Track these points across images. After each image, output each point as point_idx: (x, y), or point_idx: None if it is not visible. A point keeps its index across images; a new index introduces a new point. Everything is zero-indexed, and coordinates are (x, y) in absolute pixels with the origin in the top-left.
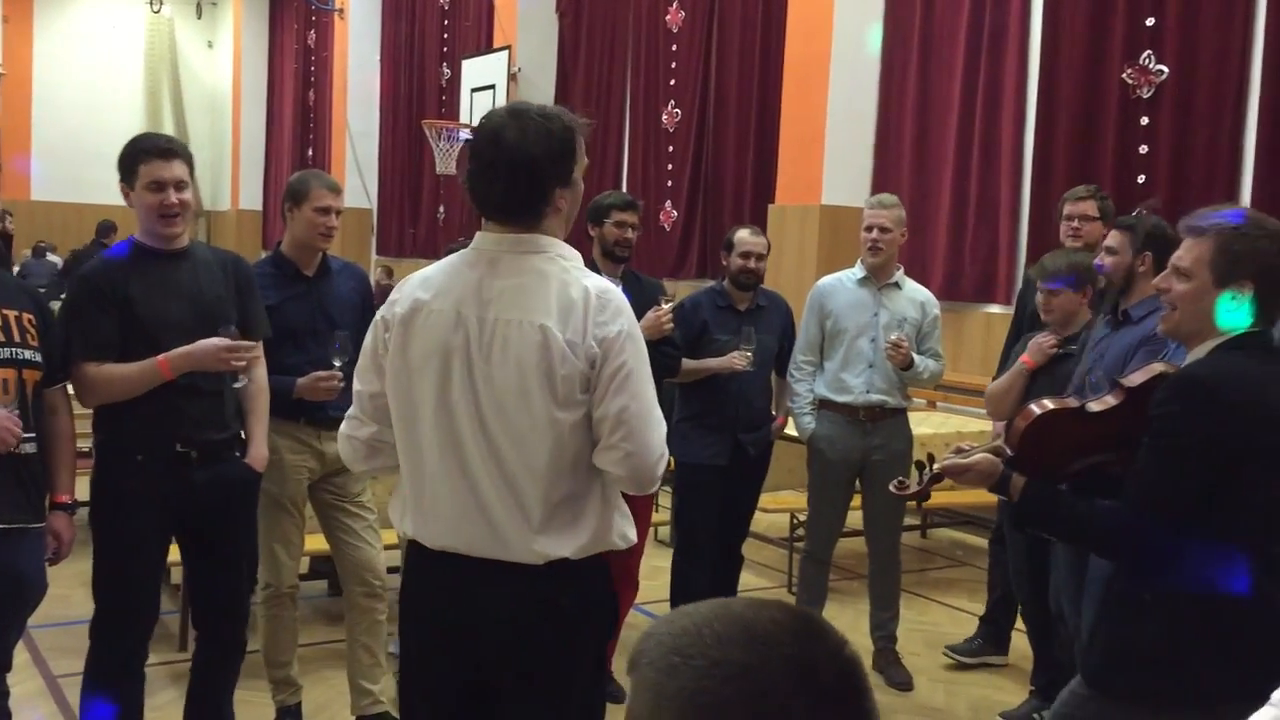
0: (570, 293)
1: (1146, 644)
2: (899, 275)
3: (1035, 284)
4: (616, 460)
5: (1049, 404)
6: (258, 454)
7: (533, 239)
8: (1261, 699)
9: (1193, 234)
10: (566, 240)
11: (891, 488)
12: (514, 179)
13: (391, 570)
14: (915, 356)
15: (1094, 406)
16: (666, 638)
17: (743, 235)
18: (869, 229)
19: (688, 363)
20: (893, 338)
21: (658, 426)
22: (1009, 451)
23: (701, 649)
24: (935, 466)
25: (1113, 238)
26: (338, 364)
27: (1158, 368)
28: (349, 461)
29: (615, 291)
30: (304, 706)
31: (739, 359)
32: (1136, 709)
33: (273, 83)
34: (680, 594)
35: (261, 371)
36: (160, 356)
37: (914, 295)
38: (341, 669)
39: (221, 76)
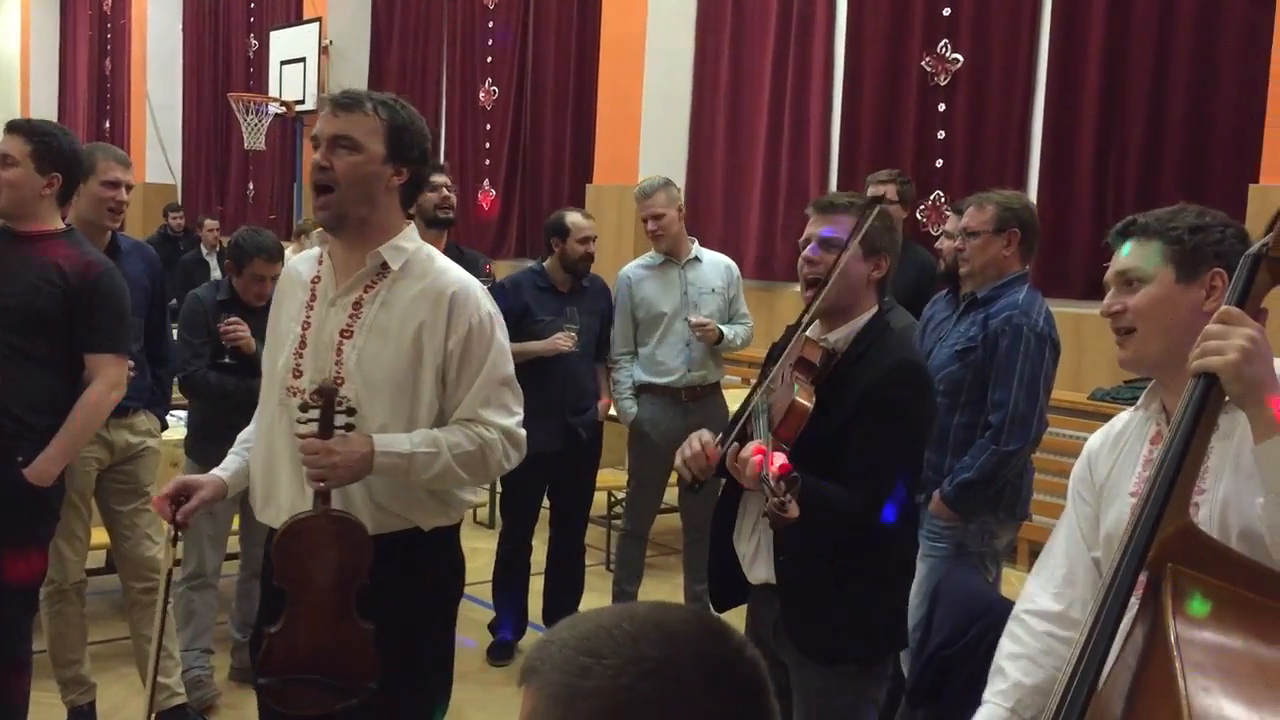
0: None
1: (864, 607)
2: (696, 249)
3: None
4: None
5: (806, 395)
6: (39, 468)
7: None
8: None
9: (835, 209)
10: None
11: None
12: None
13: None
14: (722, 329)
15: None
16: (572, 640)
17: (577, 220)
18: (645, 220)
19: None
20: (695, 320)
21: None
22: (787, 448)
23: (614, 648)
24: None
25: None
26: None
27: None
28: None
29: None
30: (99, 705)
31: (564, 340)
32: (853, 671)
33: (65, 51)
34: (502, 584)
35: (98, 385)
36: None
37: (716, 264)
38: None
39: (8, 43)
